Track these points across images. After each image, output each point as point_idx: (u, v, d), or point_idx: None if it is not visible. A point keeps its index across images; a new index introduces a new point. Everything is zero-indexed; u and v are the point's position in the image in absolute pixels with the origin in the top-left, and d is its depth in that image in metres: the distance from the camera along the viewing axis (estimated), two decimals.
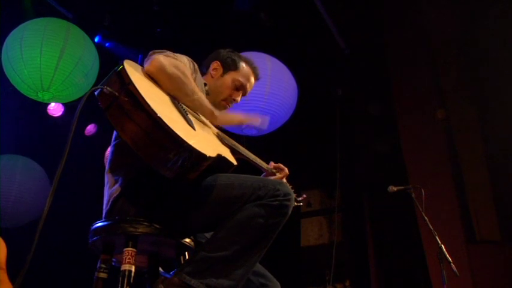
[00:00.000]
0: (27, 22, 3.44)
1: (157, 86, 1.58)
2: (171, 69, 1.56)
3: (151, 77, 1.57)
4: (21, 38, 3.30)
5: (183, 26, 4.32)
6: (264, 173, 2.07)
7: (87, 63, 3.50)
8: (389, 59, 4.52)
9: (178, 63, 1.62)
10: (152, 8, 4.12)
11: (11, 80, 3.45)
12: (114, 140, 1.70)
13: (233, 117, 1.78)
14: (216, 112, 1.69)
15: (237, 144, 1.84)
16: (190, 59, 1.81)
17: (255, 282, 1.75)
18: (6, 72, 3.43)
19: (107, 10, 4.14)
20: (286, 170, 2.07)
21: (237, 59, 2.03)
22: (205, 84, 1.93)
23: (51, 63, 3.29)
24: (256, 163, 2.00)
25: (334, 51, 4.70)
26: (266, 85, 3.35)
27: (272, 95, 3.40)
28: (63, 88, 3.43)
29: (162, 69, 1.55)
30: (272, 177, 2.02)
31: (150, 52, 1.66)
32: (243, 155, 1.88)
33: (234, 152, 1.76)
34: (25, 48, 3.27)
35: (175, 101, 1.59)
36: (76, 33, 3.47)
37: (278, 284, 1.82)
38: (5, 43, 3.39)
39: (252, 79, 2.05)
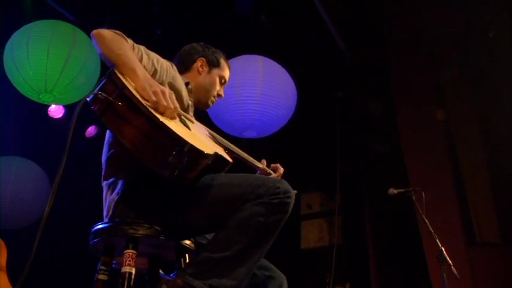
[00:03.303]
0: (34, 23, 3.44)
1: None
2: (106, 33, 1.57)
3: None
4: (28, 38, 3.29)
5: (184, 28, 4.32)
6: (258, 172, 2.07)
7: (90, 69, 3.52)
8: (389, 59, 4.52)
9: (115, 35, 1.60)
10: (152, 10, 4.12)
11: (12, 80, 3.43)
12: (107, 153, 1.68)
13: (150, 85, 1.47)
14: (140, 71, 1.50)
15: (229, 143, 1.85)
16: (170, 63, 1.83)
17: (260, 276, 1.76)
18: (8, 72, 3.41)
19: (107, 12, 4.15)
20: (281, 169, 2.07)
21: (217, 55, 2.10)
22: (187, 84, 1.92)
23: (57, 67, 3.30)
24: (250, 162, 2.01)
25: (335, 54, 4.71)
26: (257, 87, 3.37)
27: (264, 97, 3.41)
28: (66, 91, 3.45)
29: (98, 33, 1.56)
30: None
31: None
32: (237, 154, 1.89)
33: (228, 151, 1.77)
34: (32, 50, 3.26)
35: None
36: (82, 38, 3.49)
37: (283, 275, 1.83)
38: (9, 43, 3.37)
39: (229, 71, 2.14)
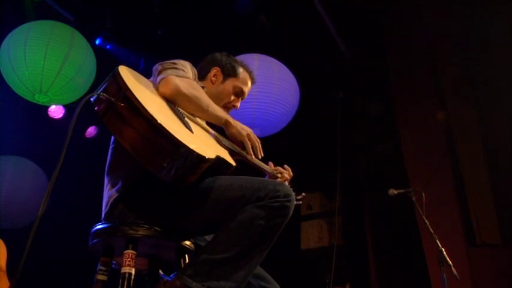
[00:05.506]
0: (32, 22, 3.43)
1: (153, 90, 1.58)
2: (187, 90, 1.60)
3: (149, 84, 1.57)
4: (25, 38, 3.29)
5: (184, 29, 4.32)
6: (267, 176, 2.06)
7: (87, 70, 3.52)
8: (389, 60, 4.52)
9: (192, 82, 1.66)
10: (153, 10, 4.12)
11: (7, 79, 3.42)
12: (113, 143, 1.70)
13: (242, 128, 1.77)
14: (230, 119, 1.73)
15: (236, 146, 1.84)
16: (191, 64, 1.82)
17: (254, 285, 1.75)
18: (3, 71, 3.39)
19: (108, 12, 4.14)
20: (290, 171, 2.06)
21: (235, 65, 2.04)
22: (202, 88, 1.90)
23: (54, 68, 3.30)
24: (256, 165, 2.00)
25: (335, 55, 4.71)
26: (254, 85, 3.35)
27: (261, 93, 3.39)
28: (62, 92, 3.45)
29: (179, 93, 1.59)
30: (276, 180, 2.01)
31: (158, 66, 1.68)
32: (242, 156, 1.88)
33: (232, 153, 1.76)
34: (29, 50, 3.26)
35: (172, 104, 1.60)
36: (80, 40, 3.50)
37: (278, 286, 1.82)
38: (6, 42, 3.36)
39: (250, 84, 2.08)
